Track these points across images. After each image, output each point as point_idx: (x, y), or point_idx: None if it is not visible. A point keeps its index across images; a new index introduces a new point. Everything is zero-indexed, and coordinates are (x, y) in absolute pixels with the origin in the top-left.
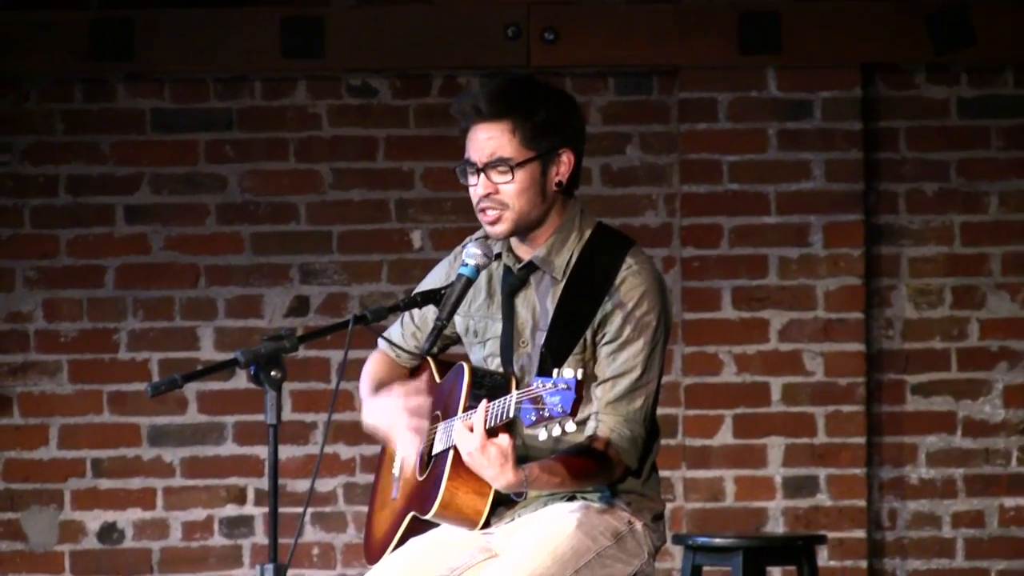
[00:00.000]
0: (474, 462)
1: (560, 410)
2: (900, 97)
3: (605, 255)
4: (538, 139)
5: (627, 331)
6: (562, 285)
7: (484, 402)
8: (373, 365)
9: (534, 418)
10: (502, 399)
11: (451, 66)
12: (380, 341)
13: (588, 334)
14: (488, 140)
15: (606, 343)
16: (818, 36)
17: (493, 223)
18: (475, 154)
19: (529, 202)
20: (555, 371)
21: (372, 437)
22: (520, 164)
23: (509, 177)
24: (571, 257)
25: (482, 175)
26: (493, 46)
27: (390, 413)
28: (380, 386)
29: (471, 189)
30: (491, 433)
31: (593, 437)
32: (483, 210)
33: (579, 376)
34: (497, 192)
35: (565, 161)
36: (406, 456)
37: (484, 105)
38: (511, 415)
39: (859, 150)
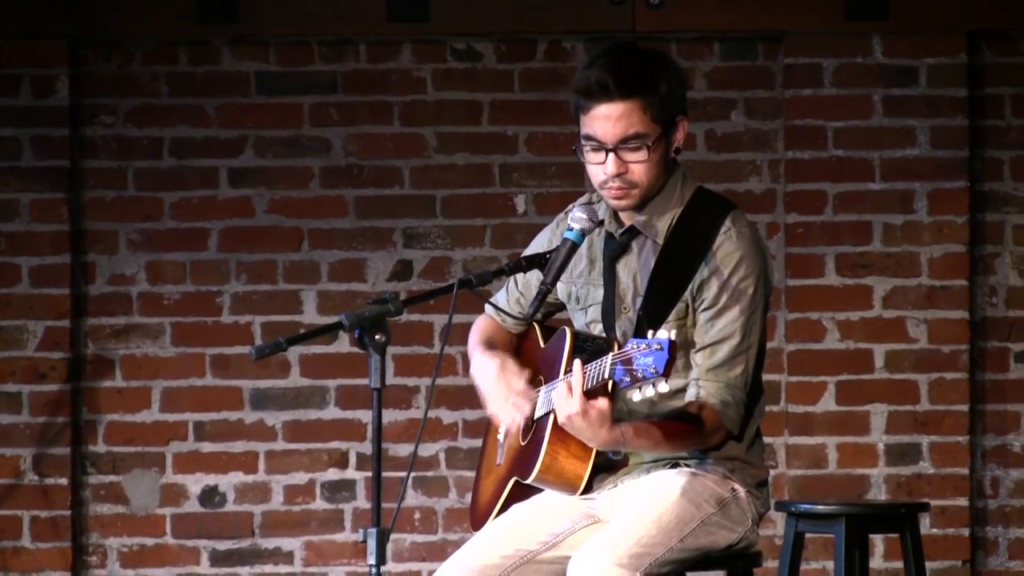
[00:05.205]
0: (573, 425)
1: (653, 371)
2: (1006, 64)
3: (704, 219)
4: (664, 112)
5: (724, 298)
6: (660, 249)
7: (578, 364)
8: (481, 326)
9: (628, 380)
10: (598, 361)
11: (556, 31)
12: (487, 307)
13: (688, 299)
14: (620, 119)
15: (704, 309)
16: (924, 2)
17: (620, 198)
18: (603, 133)
19: (657, 176)
20: (650, 333)
21: (475, 402)
22: (656, 140)
23: (644, 155)
24: (672, 221)
25: (611, 154)
26: (598, 11)
27: (493, 382)
28: (490, 345)
29: (595, 167)
30: (590, 395)
31: (692, 402)
32: (611, 188)
33: (672, 336)
34: (628, 171)
35: (682, 128)
36: (507, 424)
37: (613, 84)
38: (606, 376)
39: (964, 117)
